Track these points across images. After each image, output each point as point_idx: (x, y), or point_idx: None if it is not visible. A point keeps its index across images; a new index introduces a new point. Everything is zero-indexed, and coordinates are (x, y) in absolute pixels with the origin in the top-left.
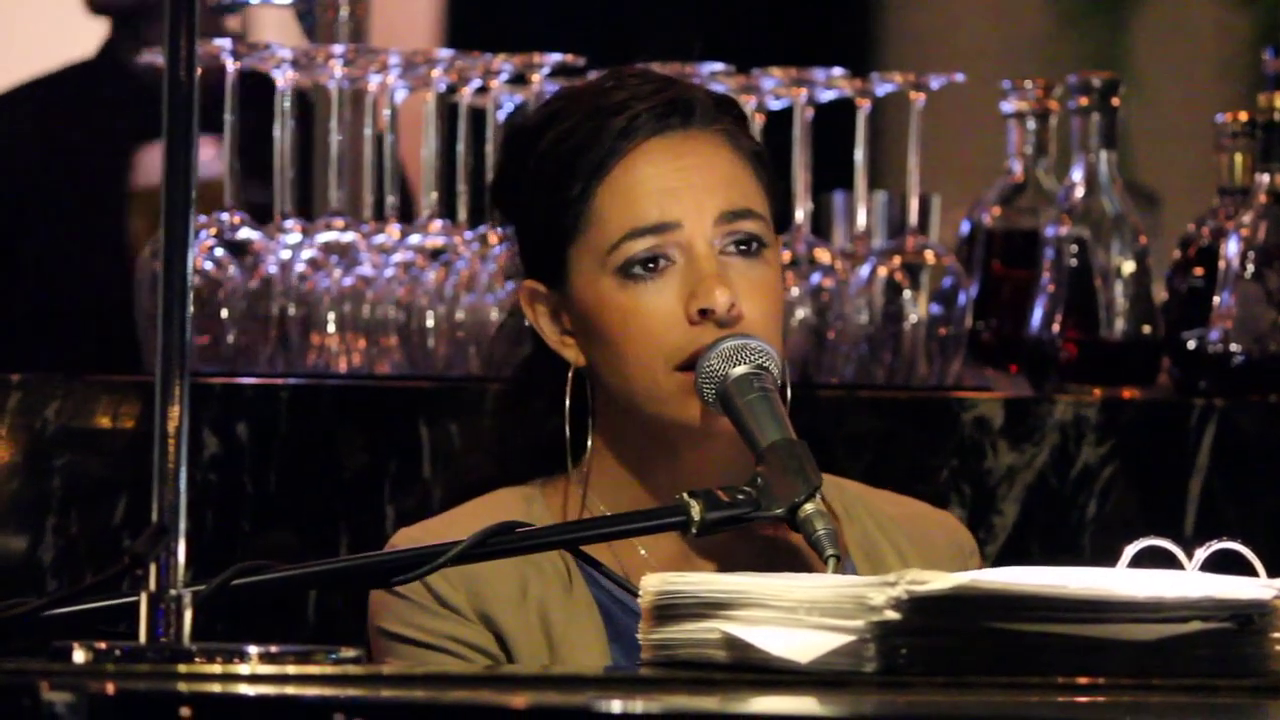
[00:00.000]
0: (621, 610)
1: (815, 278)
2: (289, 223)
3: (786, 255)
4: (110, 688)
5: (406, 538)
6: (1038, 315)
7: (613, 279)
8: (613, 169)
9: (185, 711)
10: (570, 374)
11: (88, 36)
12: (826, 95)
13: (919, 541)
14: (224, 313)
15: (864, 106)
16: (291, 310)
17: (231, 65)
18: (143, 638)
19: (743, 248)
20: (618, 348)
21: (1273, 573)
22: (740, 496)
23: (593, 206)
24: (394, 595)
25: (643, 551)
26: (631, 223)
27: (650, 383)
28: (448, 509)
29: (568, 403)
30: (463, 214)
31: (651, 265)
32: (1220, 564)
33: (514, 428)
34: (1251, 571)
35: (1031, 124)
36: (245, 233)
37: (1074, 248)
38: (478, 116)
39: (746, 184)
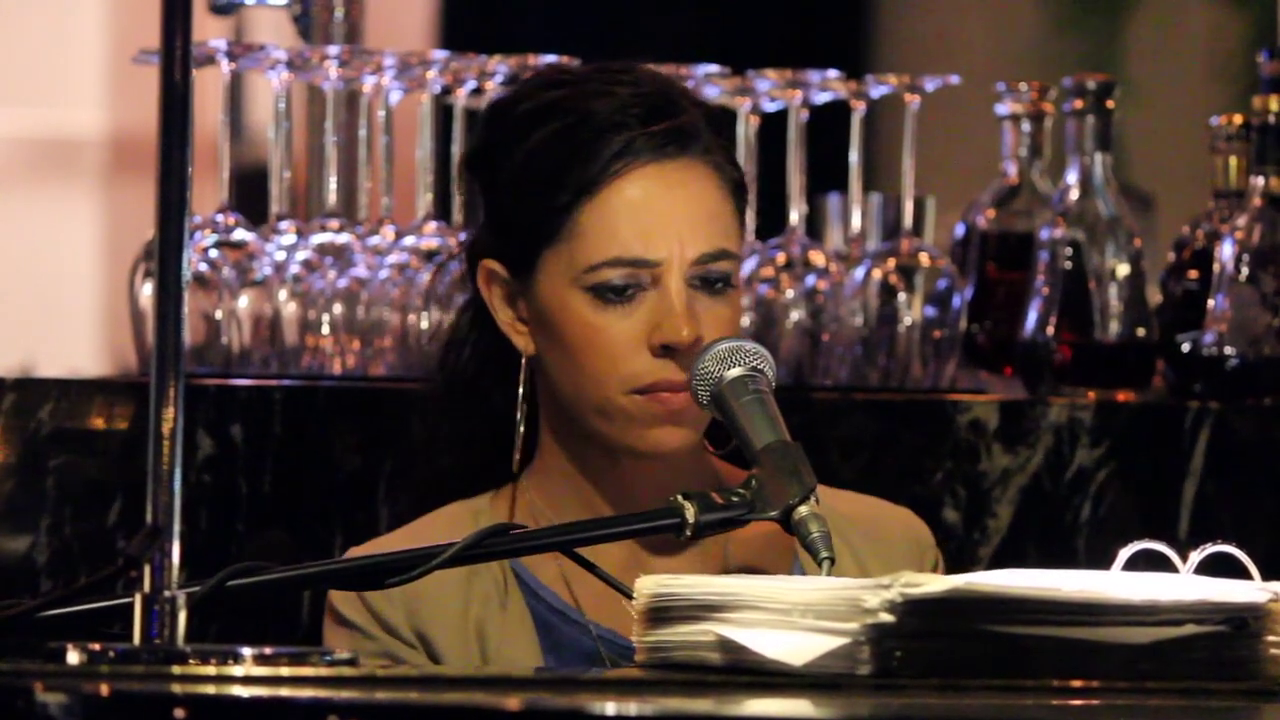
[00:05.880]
0: (561, 620)
1: (810, 280)
2: (284, 224)
3: (781, 257)
4: (104, 689)
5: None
6: (1032, 318)
7: (582, 295)
8: (602, 189)
9: (179, 713)
10: (524, 362)
11: None
12: (821, 97)
13: (875, 540)
14: (218, 314)
15: (859, 108)
16: (286, 312)
17: (226, 66)
18: (137, 639)
19: (712, 285)
20: (575, 359)
21: (1267, 576)
22: (734, 499)
23: (576, 220)
24: (335, 616)
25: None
26: (613, 251)
27: (602, 400)
28: (418, 512)
29: (521, 391)
30: (457, 216)
31: (624, 291)
32: (1215, 567)
33: (462, 419)
34: (1246, 575)
35: (1026, 126)
36: (240, 234)
37: (1068, 250)
38: (473, 118)
39: (727, 221)
